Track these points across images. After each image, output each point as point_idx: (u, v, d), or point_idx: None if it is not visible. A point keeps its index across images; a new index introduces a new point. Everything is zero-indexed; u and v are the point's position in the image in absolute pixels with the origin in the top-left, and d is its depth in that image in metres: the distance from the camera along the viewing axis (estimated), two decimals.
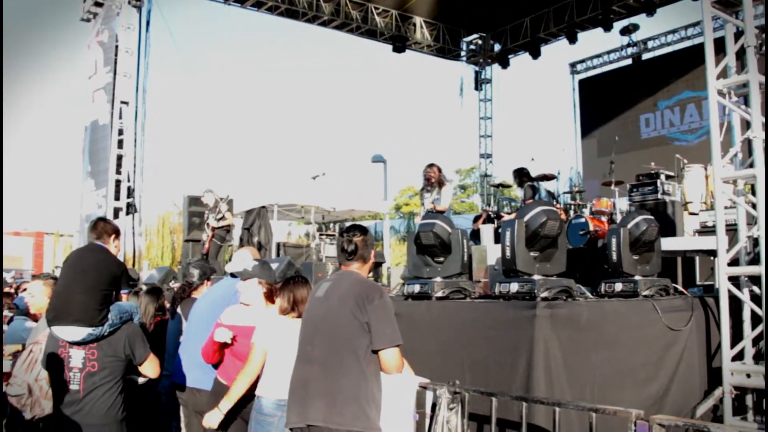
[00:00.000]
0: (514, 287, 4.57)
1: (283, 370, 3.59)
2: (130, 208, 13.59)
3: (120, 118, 13.69)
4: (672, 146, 15.44)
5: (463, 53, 20.75)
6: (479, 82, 21.50)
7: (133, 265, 13.47)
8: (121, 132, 13.65)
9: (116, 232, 4.11)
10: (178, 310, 5.25)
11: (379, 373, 3.35)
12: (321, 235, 14.64)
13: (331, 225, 18.32)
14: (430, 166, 8.63)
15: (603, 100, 18.57)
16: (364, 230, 3.61)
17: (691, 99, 16.32)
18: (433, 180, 8.47)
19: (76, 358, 3.69)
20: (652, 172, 8.56)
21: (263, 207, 13.86)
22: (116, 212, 13.28)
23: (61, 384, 3.73)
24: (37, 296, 4.65)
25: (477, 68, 21.17)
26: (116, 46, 13.85)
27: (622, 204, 9.55)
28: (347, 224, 3.75)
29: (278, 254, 12.75)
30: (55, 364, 3.78)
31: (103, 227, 4.06)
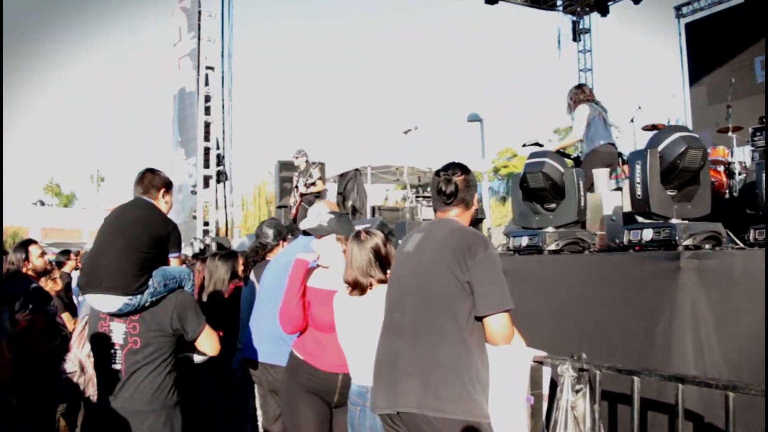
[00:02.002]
0: (648, 234, 3.61)
1: (358, 350, 3.08)
2: (221, 176, 13.36)
3: (206, 84, 13.45)
4: None
5: (559, 3, 19.51)
6: (577, 33, 20.37)
7: (226, 234, 13.32)
8: (207, 98, 13.42)
9: (166, 186, 3.48)
10: (251, 275, 4.72)
11: (483, 344, 2.67)
12: (417, 197, 14.00)
13: (428, 188, 17.59)
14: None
15: (713, 44, 16.63)
16: (465, 168, 2.89)
17: None
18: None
19: (117, 332, 3.14)
20: None
21: (356, 170, 13.35)
22: (206, 180, 13.11)
23: (103, 363, 3.19)
24: None
25: (574, 18, 19.90)
26: (199, 11, 13.57)
27: (740, 154, 8.39)
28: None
29: (372, 216, 12.20)
30: (96, 339, 3.24)
31: (150, 180, 3.44)
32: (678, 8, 17.98)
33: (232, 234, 14.23)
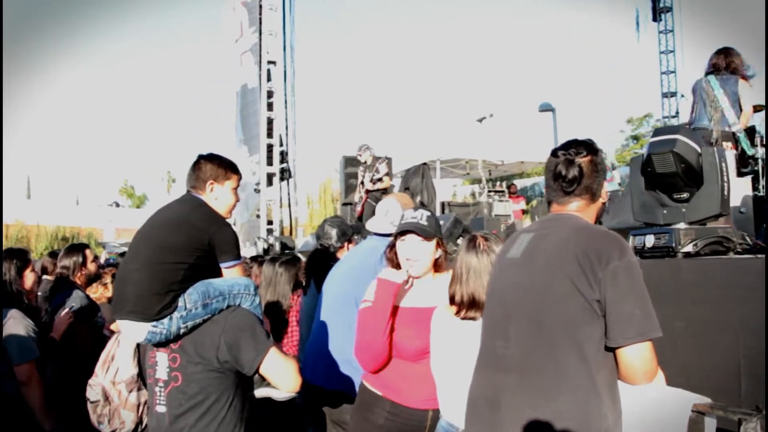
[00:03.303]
0: None
1: (454, 381, 2.41)
2: (285, 174, 12.89)
3: (268, 79, 13.01)
4: None
5: None
6: (657, 12, 19.28)
7: (290, 233, 12.84)
8: (270, 94, 13.01)
9: (215, 176, 2.64)
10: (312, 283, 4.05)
11: (614, 384, 1.98)
12: (490, 191, 13.22)
13: (498, 182, 16.78)
14: None
15: None
16: (591, 148, 2.18)
17: None
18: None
19: (162, 365, 2.44)
20: None
21: (424, 164, 12.65)
22: (270, 178, 12.68)
23: (150, 402, 2.52)
24: None
25: None
26: (260, 5, 13.16)
27: None
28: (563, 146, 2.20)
29: (443, 213, 11.46)
30: (146, 374, 2.57)
31: (198, 170, 2.65)
32: None
33: (296, 233, 13.74)
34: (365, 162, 10.19)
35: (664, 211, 3.28)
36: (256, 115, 13.15)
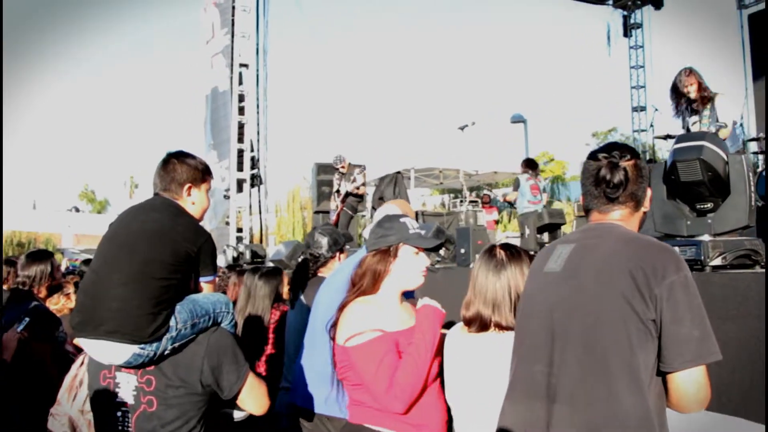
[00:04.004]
0: None
1: (473, 407, 2.23)
2: (255, 180, 12.53)
3: (240, 83, 12.65)
4: None
5: None
6: (628, 28, 19.95)
7: (261, 241, 12.46)
8: (241, 98, 12.65)
9: (193, 179, 2.40)
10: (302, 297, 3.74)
11: (664, 410, 1.79)
12: (463, 201, 13.09)
13: (470, 192, 16.64)
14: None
15: None
16: (634, 152, 2.00)
17: None
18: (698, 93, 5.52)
19: (126, 388, 2.16)
20: None
21: (398, 173, 12.43)
22: (240, 184, 12.32)
23: (106, 430, 2.22)
24: None
25: (625, 12, 19.33)
26: (233, 6, 12.82)
27: None
28: (602, 148, 1.94)
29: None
30: (97, 396, 2.25)
31: (172, 171, 2.38)
32: None
33: (266, 241, 13.36)
34: (342, 169, 9.91)
35: (688, 222, 3.06)
36: (226, 119, 12.78)
